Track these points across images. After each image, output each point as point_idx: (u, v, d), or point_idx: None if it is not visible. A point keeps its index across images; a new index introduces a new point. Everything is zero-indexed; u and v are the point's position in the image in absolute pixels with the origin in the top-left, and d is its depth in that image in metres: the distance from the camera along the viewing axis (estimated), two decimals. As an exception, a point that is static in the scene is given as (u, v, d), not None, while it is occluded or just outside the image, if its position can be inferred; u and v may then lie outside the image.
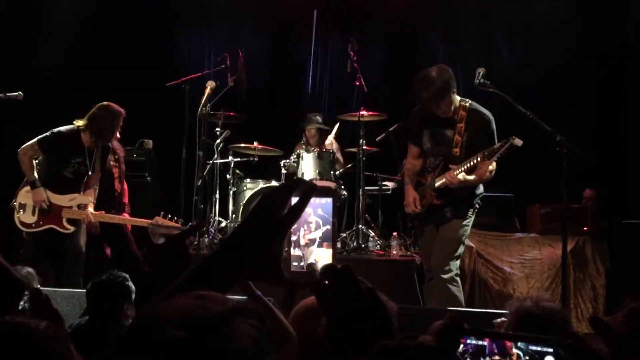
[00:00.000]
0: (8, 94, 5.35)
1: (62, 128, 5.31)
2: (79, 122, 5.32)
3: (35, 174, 5.26)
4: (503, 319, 2.73)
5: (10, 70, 7.19)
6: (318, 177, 6.34)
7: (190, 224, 6.27)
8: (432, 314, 3.70)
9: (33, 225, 5.28)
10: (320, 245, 1.33)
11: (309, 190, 1.09)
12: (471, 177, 4.49)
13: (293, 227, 1.17)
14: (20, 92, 5.39)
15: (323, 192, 1.25)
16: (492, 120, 4.59)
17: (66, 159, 5.31)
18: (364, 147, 6.43)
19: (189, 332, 0.79)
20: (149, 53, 8.16)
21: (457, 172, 4.46)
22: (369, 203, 6.77)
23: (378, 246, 6.31)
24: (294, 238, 1.35)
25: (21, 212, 5.29)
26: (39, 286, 2.93)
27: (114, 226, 5.52)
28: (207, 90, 6.22)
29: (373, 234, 6.42)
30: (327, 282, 1.05)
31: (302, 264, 1.27)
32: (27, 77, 6.96)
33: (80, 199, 5.36)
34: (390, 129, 6.92)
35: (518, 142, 4.30)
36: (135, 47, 8.11)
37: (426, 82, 4.53)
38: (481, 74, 4.65)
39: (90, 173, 5.38)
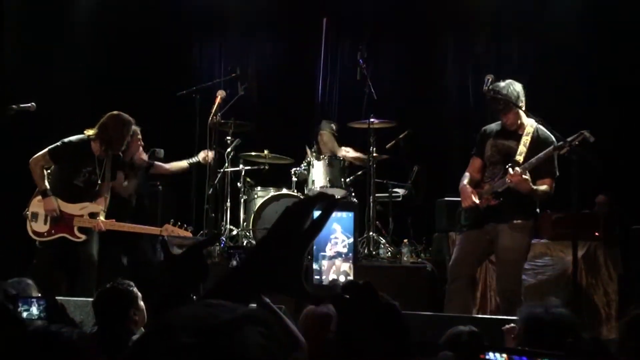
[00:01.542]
0: (22, 105, 5.41)
1: (73, 137, 5.38)
2: (89, 132, 5.38)
3: (47, 184, 5.32)
4: (512, 325, 2.74)
5: (24, 80, 7.27)
6: (329, 185, 6.36)
7: (202, 232, 6.31)
8: (443, 321, 3.70)
9: (45, 234, 5.34)
10: (345, 258, 1.34)
11: (331, 205, 1.11)
12: (536, 187, 4.51)
13: (318, 241, 1.18)
14: (33, 104, 5.44)
15: (345, 206, 1.27)
16: (555, 141, 4.62)
17: (77, 168, 5.37)
18: (374, 155, 6.44)
19: (200, 339, 0.80)
20: (160, 63, 8.21)
21: (520, 169, 4.47)
22: (379, 210, 6.77)
23: (389, 253, 6.31)
24: (320, 251, 1.37)
25: (33, 222, 5.35)
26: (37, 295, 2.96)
27: (128, 235, 5.57)
28: (218, 100, 6.26)
29: (384, 241, 6.42)
30: (348, 297, 1.06)
31: (323, 277, 1.29)
32: (40, 87, 7.02)
33: (92, 208, 5.41)
34: (400, 136, 6.93)
35: (590, 136, 4.34)
36: (146, 56, 8.16)
37: (496, 92, 4.63)
38: (490, 80, 4.67)
39: (100, 182, 5.43)
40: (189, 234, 5.43)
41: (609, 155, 6.37)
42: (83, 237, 5.36)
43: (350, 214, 1.19)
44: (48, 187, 5.32)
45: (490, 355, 1.22)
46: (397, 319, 1.07)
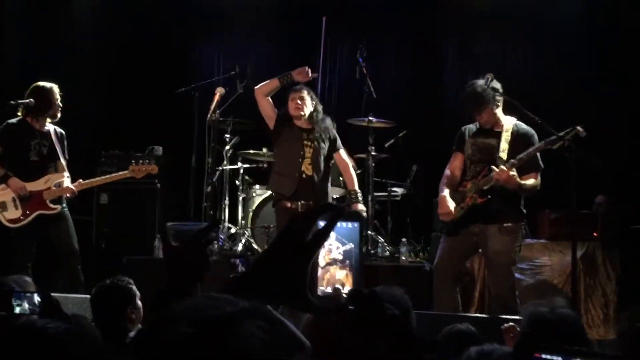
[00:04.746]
0: (20, 101, 5.44)
1: (9, 120, 5.47)
2: (19, 111, 5.46)
3: (1, 169, 5.37)
4: (511, 324, 2.73)
5: (23, 77, 7.25)
6: (327, 184, 6.34)
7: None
8: (442, 320, 3.69)
9: (21, 217, 5.37)
10: (341, 266, 1.32)
11: (336, 215, 1.10)
12: (522, 181, 4.50)
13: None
14: (32, 99, 5.45)
15: (350, 217, 1.25)
16: (535, 134, 4.64)
17: (26, 143, 5.41)
18: (373, 154, 6.43)
19: (199, 329, 0.80)
20: (159, 60, 8.20)
21: (507, 165, 4.47)
22: (377, 209, 6.76)
23: (387, 252, 6.30)
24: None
25: (5, 212, 5.38)
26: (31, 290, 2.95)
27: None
28: (217, 97, 6.24)
29: (382, 240, 6.41)
30: (352, 307, 1.04)
31: (321, 288, 1.26)
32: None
33: (55, 178, 5.47)
34: (399, 135, 6.93)
35: (582, 131, 4.35)
36: (145, 53, 8.16)
37: (469, 91, 4.69)
38: (490, 79, 4.67)
39: (46, 153, 5.46)
40: (154, 167, 5.59)
41: (610, 155, 6.37)
42: (58, 207, 5.43)
43: (356, 225, 1.18)
44: (5, 170, 5.35)
45: (547, 355, 1.20)
46: (405, 331, 1.04)
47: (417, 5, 8.42)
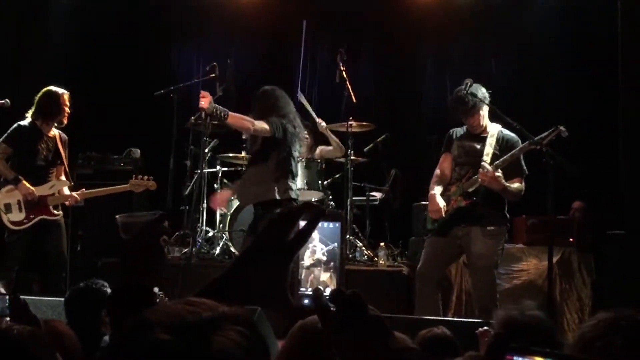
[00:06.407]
0: (-6, 101, 5.38)
1: (20, 122, 5.48)
2: (29, 113, 5.48)
3: (12, 171, 5.35)
4: (486, 328, 2.74)
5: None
6: (306, 187, 6.33)
7: (177, 232, 6.25)
8: (419, 324, 3.69)
9: (25, 221, 5.36)
10: (325, 268, 1.30)
11: (317, 215, 1.08)
12: (507, 184, 4.53)
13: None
14: (7, 100, 5.39)
15: (331, 217, 1.23)
16: (520, 141, 4.68)
17: (34, 147, 5.42)
18: (352, 158, 6.43)
19: (177, 335, 0.78)
20: (138, 61, 8.15)
21: (492, 166, 4.51)
22: (356, 213, 6.76)
23: (365, 256, 6.30)
24: (299, 260, 1.33)
25: (9, 214, 5.34)
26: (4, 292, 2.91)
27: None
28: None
29: (360, 244, 6.41)
30: (333, 308, 1.02)
31: (302, 288, 1.25)
32: (15, 84, 6.93)
33: (59, 185, 5.53)
34: (379, 140, 6.94)
35: (564, 131, 4.40)
36: (124, 55, 8.09)
37: (459, 96, 4.70)
38: (469, 84, 4.69)
39: (51, 159, 5.49)
40: (153, 184, 5.67)
41: (587, 161, 6.42)
42: (60, 213, 5.49)
43: (337, 224, 1.17)
44: (15, 173, 5.34)
45: (518, 357, 1.19)
46: (386, 333, 1.02)
47: (397, 9, 8.45)
